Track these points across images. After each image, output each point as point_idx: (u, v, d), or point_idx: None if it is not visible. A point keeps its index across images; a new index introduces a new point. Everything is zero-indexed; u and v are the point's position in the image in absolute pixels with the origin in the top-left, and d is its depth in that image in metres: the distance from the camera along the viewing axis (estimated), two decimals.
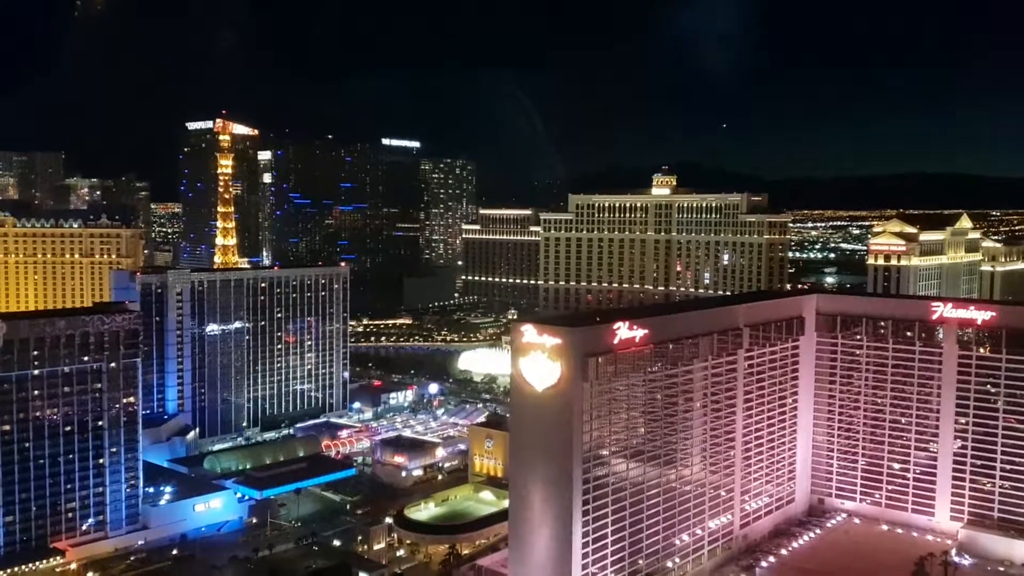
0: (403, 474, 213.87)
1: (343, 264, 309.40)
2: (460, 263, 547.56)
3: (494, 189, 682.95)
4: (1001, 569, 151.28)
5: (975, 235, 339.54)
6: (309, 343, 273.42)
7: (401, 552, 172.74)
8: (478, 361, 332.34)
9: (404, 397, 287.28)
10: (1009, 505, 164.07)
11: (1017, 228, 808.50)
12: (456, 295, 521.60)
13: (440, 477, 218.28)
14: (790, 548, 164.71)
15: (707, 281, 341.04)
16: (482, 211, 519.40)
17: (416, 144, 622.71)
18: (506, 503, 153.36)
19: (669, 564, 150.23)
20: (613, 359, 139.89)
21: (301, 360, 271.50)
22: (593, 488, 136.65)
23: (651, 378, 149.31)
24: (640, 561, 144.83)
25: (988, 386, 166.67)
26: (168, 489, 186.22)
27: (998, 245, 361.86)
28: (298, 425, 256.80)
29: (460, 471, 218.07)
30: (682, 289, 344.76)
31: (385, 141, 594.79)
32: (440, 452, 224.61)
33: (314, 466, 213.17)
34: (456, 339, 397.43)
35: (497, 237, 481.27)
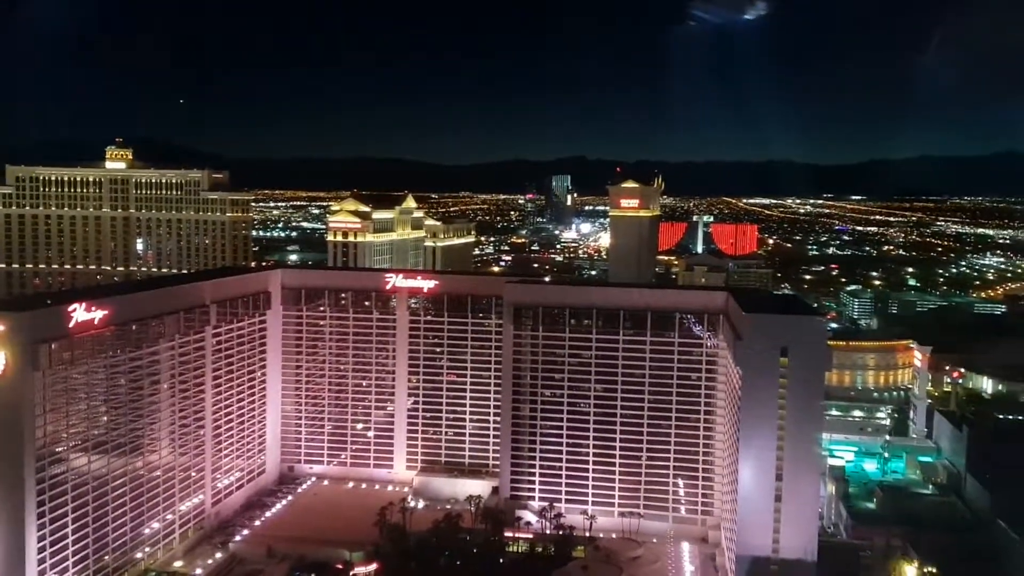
0: None
1: None
2: None
3: None
4: (448, 506, 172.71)
5: (419, 214, 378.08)
6: None
7: None
8: None
9: None
10: (453, 451, 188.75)
11: (452, 208, 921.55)
12: None
13: None
14: (263, 518, 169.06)
15: (170, 259, 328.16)
16: None
17: None
18: None
19: (139, 555, 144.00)
20: (69, 344, 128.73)
21: None
22: (49, 488, 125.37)
23: (113, 362, 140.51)
24: (106, 557, 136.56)
25: (434, 346, 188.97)
26: None
27: (438, 223, 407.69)
28: None
29: None
30: (144, 268, 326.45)
31: None
32: None
33: None
34: None
35: None
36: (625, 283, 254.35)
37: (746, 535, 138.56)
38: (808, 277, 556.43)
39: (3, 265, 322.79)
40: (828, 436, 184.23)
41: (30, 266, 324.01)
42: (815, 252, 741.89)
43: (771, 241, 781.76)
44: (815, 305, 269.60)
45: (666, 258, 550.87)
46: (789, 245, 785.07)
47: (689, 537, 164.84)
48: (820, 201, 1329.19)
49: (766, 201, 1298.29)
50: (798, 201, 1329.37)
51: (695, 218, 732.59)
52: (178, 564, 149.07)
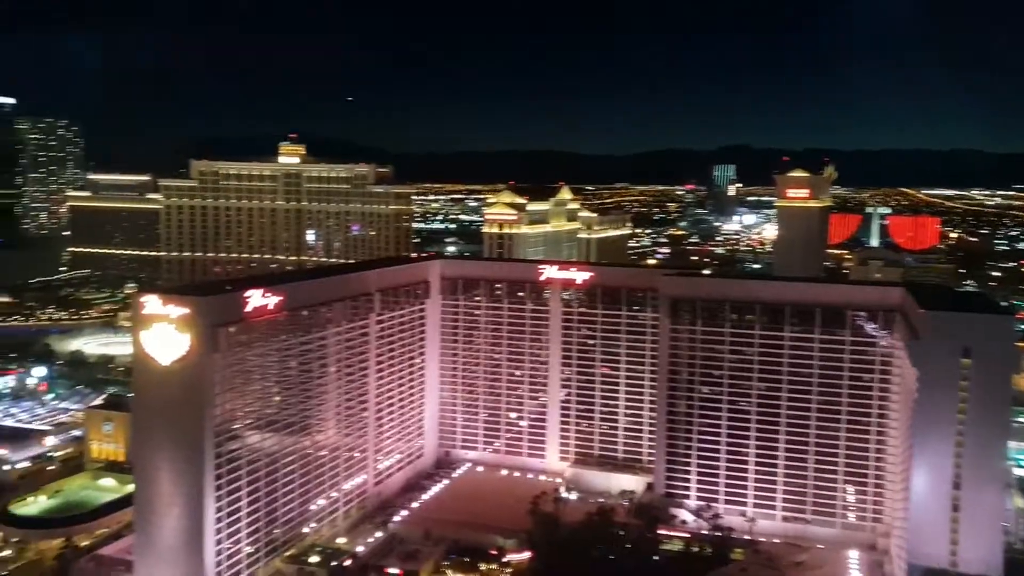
0: (5, 467, 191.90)
1: None
2: (67, 233, 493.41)
3: (106, 153, 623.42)
4: (601, 500, 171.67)
5: (574, 206, 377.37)
6: None
7: (8, 552, 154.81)
8: (92, 340, 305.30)
9: (3, 383, 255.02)
10: (606, 444, 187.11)
11: (607, 201, 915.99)
12: (63, 269, 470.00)
13: (52, 467, 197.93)
14: (421, 500, 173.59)
15: (338, 250, 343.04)
16: (91, 176, 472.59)
17: (10, 101, 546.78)
18: (130, 488, 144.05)
19: (306, 530, 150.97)
20: (246, 328, 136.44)
21: None
22: (226, 463, 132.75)
23: (285, 346, 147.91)
24: (276, 531, 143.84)
25: (587, 339, 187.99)
26: None
27: (593, 215, 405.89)
28: None
29: (76, 459, 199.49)
30: (314, 258, 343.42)
31: None
32: (50, 440, 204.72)
33: None
34: (66, 317, 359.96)
35: (110, 205, 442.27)
36: (791, 277, 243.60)
37: (917, 544, 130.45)
38: (995, 274, 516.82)
39: (187, 253, 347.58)
40: (1016, 445, 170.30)
41: (211, 254, 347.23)
42: (1004, 247, 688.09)
43: (953, 235, 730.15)
44: (1003, 304, 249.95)
45: (837, 252, 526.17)
46: (974, 239, 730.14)
47: (856, 543, 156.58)
48: (1011, 193, 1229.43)
49: (948, 192, 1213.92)
50: (985, 192, 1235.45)
51: (869, 210, 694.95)
52: (341, 540, 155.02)
